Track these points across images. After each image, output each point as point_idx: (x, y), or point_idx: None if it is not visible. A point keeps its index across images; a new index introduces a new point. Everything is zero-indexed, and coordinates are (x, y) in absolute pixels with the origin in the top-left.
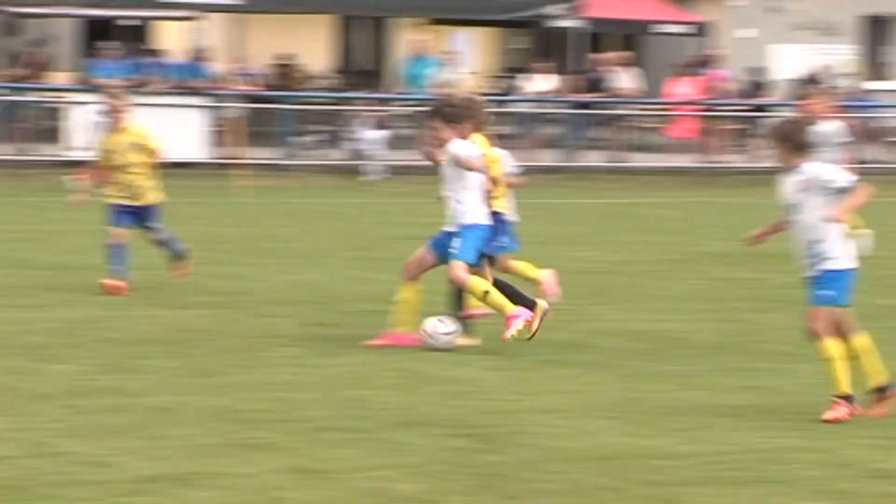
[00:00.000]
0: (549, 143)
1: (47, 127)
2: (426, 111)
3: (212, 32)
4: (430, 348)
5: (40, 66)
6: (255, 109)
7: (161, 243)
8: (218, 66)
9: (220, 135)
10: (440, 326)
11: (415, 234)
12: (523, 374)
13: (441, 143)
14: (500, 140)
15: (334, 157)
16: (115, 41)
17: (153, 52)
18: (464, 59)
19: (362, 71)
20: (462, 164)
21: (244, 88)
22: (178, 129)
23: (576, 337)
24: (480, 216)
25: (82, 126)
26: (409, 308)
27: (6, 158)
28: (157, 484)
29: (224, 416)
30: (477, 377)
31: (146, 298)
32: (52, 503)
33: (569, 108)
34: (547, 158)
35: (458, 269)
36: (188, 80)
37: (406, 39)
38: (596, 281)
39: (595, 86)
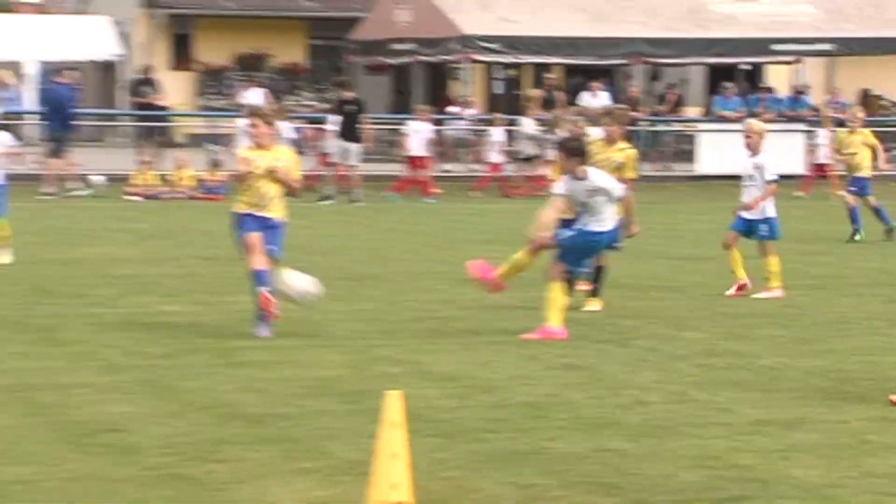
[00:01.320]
0: None
1: (683, 150)
2: None
3: (809, 72)
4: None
5: (676, 103)
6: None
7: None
8: (814, 99)
9: (814, 152)
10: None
11: None
12: None
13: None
14: None
15: None
16: (733, 82)
17: (764, 89)
18: None
19: None
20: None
21: (835, 116)
22: (783, 149)
23: None
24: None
25: (711, 149)
26: None
27: (652, 174)
28: (769, 427)
29: (821, 374)
30: None
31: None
32: (689, 439)
33: None
34: None
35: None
36: (791, 110)
37: None
38: None
39: None
